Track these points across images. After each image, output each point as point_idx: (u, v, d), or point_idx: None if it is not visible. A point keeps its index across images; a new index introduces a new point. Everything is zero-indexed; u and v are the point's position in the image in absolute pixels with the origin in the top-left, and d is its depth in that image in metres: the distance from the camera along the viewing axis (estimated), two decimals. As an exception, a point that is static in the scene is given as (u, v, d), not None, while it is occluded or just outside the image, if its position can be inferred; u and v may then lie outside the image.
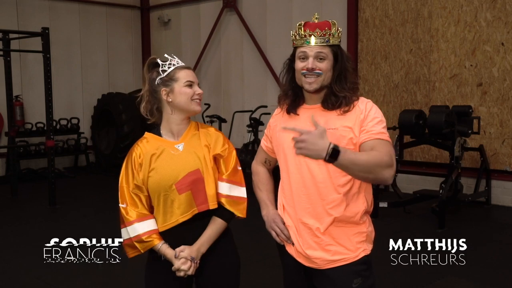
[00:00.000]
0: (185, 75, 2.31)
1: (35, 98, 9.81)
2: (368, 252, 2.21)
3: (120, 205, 2.34)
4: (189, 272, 2.26)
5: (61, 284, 4.52)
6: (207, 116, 9.20)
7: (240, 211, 2.38)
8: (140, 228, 2.28)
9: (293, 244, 2.26)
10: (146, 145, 2.35)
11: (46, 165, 7.85)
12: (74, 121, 10.51)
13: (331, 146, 1.95)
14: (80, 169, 10.64)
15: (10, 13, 9.97)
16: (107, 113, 10.22)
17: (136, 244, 2.29)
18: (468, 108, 6.78)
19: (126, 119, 9.82)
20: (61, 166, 10.31)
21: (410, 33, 7.84)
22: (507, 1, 6.89)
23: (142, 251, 2.31)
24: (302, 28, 2.17)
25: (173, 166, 2.28)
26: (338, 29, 2.18)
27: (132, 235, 2.29)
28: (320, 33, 2.14)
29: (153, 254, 2.37)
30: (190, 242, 2.31)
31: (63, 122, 10.35)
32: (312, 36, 2.15)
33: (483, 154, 6.93)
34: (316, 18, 2.21)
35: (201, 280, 2.38)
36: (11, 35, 8.02)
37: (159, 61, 2.34)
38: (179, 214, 2.27)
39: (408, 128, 6.42)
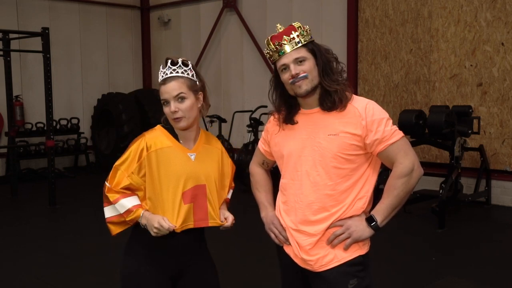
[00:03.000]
0: (161, 93, 2.23)
1: (35, 98, 9.82)
2: (363, 252, 2.21)
3: (107, 183, 2.25)
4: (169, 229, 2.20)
5: (61, 284, 4.52)
6: (207, 116, 9.17)
7: None
8: (128, 203, 2.22)
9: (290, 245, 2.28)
10: (157, 141, 2.26)
11: (46, 165, 7.85)
12: (74, 121, 10.51)
13: (369, 220, 2.15)
14: (80, 169, 10.64)
15: (10, 13, 9.97)
16: (107, 113, 10.22)
17: (127, 218, 2.22)
18: (468, 108, 6.78)
19: (126, 119, 9.82)
20: (61, 166, 10.32)
21: (410, 33, 7.84)
22: (507, 1, 6.89)
23: (130, 224, 2.25)
24: (271, 43, 2.16)
25: (185, 174, 2.24)
26: (303, 27, 2.16)
27: (122, 211, 2.21)
28: (288, 38, 2.13)
29: (139, 248, 2.31)
30: (179, 252, 2.30)
31: (63, 122, 10.35)
32: (283, 45, 2.14)
33: (483, 154, 6.93)
34: (279, 28, 2.18)
35: (188, 282, 2.36)
36: (11, 35, 8.03)
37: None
38: (177, 223, 2.22)
39: (408, 128, 6.42)
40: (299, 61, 2.13)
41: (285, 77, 2.17)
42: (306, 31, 2.16)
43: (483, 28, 7.13)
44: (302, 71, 2.13)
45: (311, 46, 2.16)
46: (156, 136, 2.27)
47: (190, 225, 2.25)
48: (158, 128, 2.32)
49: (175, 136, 2.30)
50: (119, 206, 2.22)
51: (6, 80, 8.00)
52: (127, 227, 2.29)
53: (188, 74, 2.24)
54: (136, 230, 2.31)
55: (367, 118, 2.11)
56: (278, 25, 2.20)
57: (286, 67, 2.15)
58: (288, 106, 2.25)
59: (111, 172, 2.26)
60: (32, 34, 7.91)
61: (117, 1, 11.50)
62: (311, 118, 2.20)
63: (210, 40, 10.54)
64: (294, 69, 2.13)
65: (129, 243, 2.37)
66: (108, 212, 2.26)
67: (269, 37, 2.17)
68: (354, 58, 8.37)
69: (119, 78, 11.57)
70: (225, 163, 2.42)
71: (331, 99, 2.14)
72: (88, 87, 11.10)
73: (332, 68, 2.17)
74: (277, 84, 2.25)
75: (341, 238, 2.15)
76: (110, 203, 2.24)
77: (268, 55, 2.21)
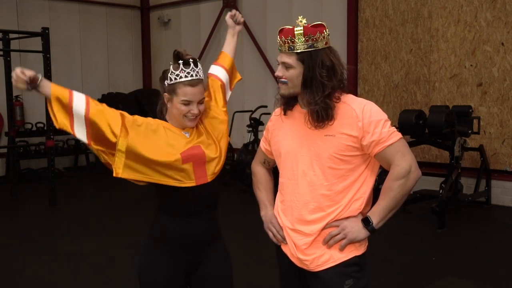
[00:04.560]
0: (184, 93, 2.26)
1: (35, 98, 9.72)
2: (359, 253, 2.20)
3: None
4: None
5: (61, 284, 4.52)
6: (207, 116, 9.20)
7: None
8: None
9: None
10: (156, 121, 2.36)
11: (46, 165, 7.85)
12: (74, 121, 10.50)
13: (365, 222, 2.14)
14: (80, 169, 10.64)
15: (10, 13, 9.97)
16: (107, 113, 10.19)
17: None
18: (468, 108, 6.78)
19: (126, 119, 9.80)
20: (61, 166, 10.31)
21: (410, 33, 7.84)
22: (507, 1, 6.89)
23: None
24: (278, 35, 2.17)
25: (178, 142, 2.31)
26: (306, 35, 2.08)
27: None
28: (284, 40, 2.13)
29: (155, 243, 2.36)
30: (193, 245, 2.35)
31: (63, 122, 10.33)
32: (281, 44, 2.15)
33: (483, 154, 6.93)
34: (300, 22, 2.13)
35: (201, 274, 2.40)
36: (11, 35, 8.03)
37: (171, 68, 2.30)
38: (177, 179, 2.27)
39: (408, 128, 6.42)
40: (285, 66, 2.15)
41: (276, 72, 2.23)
42: (308, 39, 2.09)
43: (483, 28, 7.13)
44: (285, 76, 2.15)
45: (303, 58, 2.11)
46: (154, 119, 2.37)
47: (192, 182, 2.30)
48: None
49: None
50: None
51: (6, 80, 8.00)
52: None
53: (202, 75, 2.34)
54: (153, 226, 2.39)
55: (364, 119, 2.10)
56: (300, 17, 2.14)
57: (279, 64, 2.19)
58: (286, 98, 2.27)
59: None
60: (32, 34, 7.91)
61: (117, 1, 11.50)
62: (304, 117, 2.20)
63: (210, 40, 10.54)
64: (278, 70, 2.17)
65: (146, 239, 2.42)
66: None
67: (280, 29, 2.17)
68: (354, 58, 8.37)
69: (119, 78, 11.57)
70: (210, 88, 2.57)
71: (312, 115, 2.13)
72: (88, 87, 11.08)
73: (318, 86, 2.10)
74: None
75: (337, 239, 2.15)
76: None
77: None
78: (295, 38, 2.10)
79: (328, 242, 2.16)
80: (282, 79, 2.16)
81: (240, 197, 7.64)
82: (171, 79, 2.29)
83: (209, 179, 2.34)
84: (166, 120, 2.38)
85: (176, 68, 2.27)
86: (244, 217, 6.48)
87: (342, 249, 2.15)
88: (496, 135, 7.13)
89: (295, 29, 2.10)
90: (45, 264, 5.03)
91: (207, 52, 10.66)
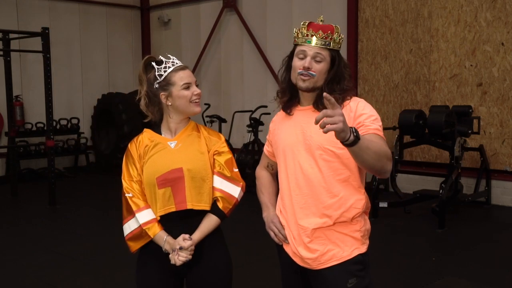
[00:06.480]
0: (181, 78, 2.31)
1: (35, 98, 9.81)
2: (362, 251, 2.21)
3: (126, 194, 2.33)
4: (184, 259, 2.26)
5: (61, 284, 4.52)
6: (207, 116, 9.21)
7: (224, 207, 2.35)
8: (149, 215, 2.29)
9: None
10: (144, 139, 2.40)
11: (46, 165, 7.85)
12: (74, 121, 10.51)
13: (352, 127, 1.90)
14: (80, 169, 10.64)
15: (10, 13, 9.97)
16: (107, 113, 10.22)
17: (147, 230, 2.28)
18: (468, 108, 6.78)
19: (126, 119, 9.83)
20: (61, 166, 10.31)
21: (410, 33, 7.84)
22: (507, 1, 6.89)
23: (152, 236, 2.28)
24: (306, 27, 2.18)
25: (161, 161, 2.31)
26: (340, 35, 2.18)
27: (141, 221, 2.28)
28: (322, 35, 2.16)
29: (144, 254, 2.38)
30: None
31: (63, 122, 10.35)
32: (314, 37, 2.16)
33: (483, 154, 6.93)
34: (321, 21, 2.21)
35: (193, 280, 2.38)
36: (11, 35, 8.03)
37: (154, 64, 2.34)
38: (157, 209, 2.30)
39: (408, 128, 6.42)
40: (317, 58, 2.16)
41: (297, 63, 2.19)
42: (339, 41, 2.19)
43: (483, 28, 7.13)
44: (314, 69, 2.16)
45: (335, 54, 2.19)
46: (142, 137, 2.41)
47: (172, 208, 2.29)
48: (145, 131, 2.44)
49: (158, 132, 2.40)
50: (140, 216, 2.31)
51: (6, 80, 8.00)
52: (146, 242, 2.32)
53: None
54: None
55: (357, 112, 2.15)
56: (321, 17, 2.23)
57: (304, 56, 2.18)
58: (290, 92, 2.28)
59: (124, 185, 2.35)
60: (32, 34, 7.91)
61: (117, 1, 11.50)
62: (305, 113, 2.24)
63: (210, 40, 10.54)
64: (309, 62, 2.16)
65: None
66: (129, 226, 2.33)
67: (307, 22, 2.19)
68: (354, 58, 8.37)
69: (119, 78, 11.56)
70: (218, 143, 2.41)
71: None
72: (88, 87, 11.09)
73: (340, 83, 2.19)
74: (288, 66, 2.28)
75: (328, 121, 1.79)
76: (133, 214, 2.30)
77: (295, 34, 2.22)
78: (334, 35, 2.16)
79: (323, 121, 1.81)
80: (311, 71, 2.16)
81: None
82: (161, 75, 2.32)
83: (188, 206, 2.29)
84: (159, 123, 2.40)
85: (160, 63, 2.33)
86: (245, 217, 6.48)
87: (326, 131, 1.82)
88: (496, 135, 7.12)
89: (336, 26, 2.18)
90: (45, 264, 5.03)
91: (207, 52, 10.66)
